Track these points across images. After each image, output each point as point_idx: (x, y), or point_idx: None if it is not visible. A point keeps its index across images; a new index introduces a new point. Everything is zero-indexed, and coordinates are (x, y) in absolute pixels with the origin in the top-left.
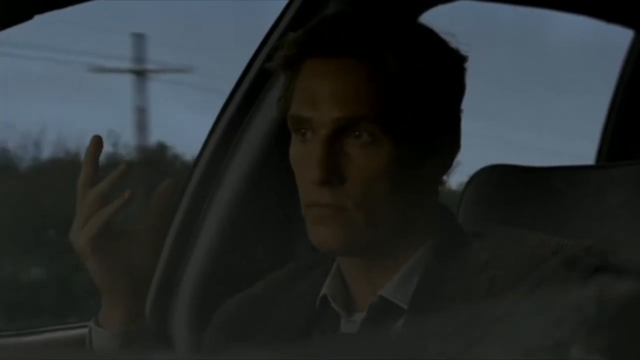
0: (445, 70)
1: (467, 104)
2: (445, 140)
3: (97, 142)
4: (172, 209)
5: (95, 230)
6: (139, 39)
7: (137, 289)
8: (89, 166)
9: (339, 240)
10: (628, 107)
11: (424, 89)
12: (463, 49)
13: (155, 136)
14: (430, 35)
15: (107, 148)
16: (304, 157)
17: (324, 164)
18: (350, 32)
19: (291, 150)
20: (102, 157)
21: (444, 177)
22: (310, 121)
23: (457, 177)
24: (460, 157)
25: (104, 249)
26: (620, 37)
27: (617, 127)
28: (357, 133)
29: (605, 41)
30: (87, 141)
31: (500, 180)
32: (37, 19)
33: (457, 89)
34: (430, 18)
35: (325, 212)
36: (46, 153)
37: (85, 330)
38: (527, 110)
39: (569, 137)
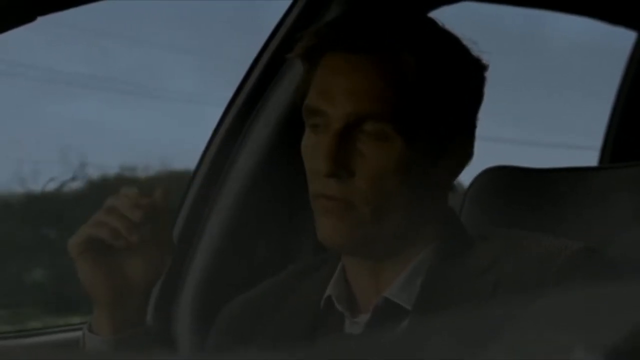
0: (464, 76)
1: None
2: (459, 144)
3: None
4: (168, 219)
5: (85, 237)
6: None
7: (129, 299)
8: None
9: (344, 235)
10: (631, 109)
11: (441, 92)
12: (485, 58)
13: None
14: (452, 41)
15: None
16: (315, 148)
17: (333, 157)
18: (372, 30)
19: (303, 141)
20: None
21: (453, 183)
22: (324, 114)
23: (461, 178)
24: None
25: (92, 256)
26: (623, 38)
27: (620, 129)
28: (369, 129)
29: (608, 43)
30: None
31: (503, 182)
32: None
33: (475, 97)
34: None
35: (332, 205)
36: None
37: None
38: (530, 111)
39: (572, 139)
